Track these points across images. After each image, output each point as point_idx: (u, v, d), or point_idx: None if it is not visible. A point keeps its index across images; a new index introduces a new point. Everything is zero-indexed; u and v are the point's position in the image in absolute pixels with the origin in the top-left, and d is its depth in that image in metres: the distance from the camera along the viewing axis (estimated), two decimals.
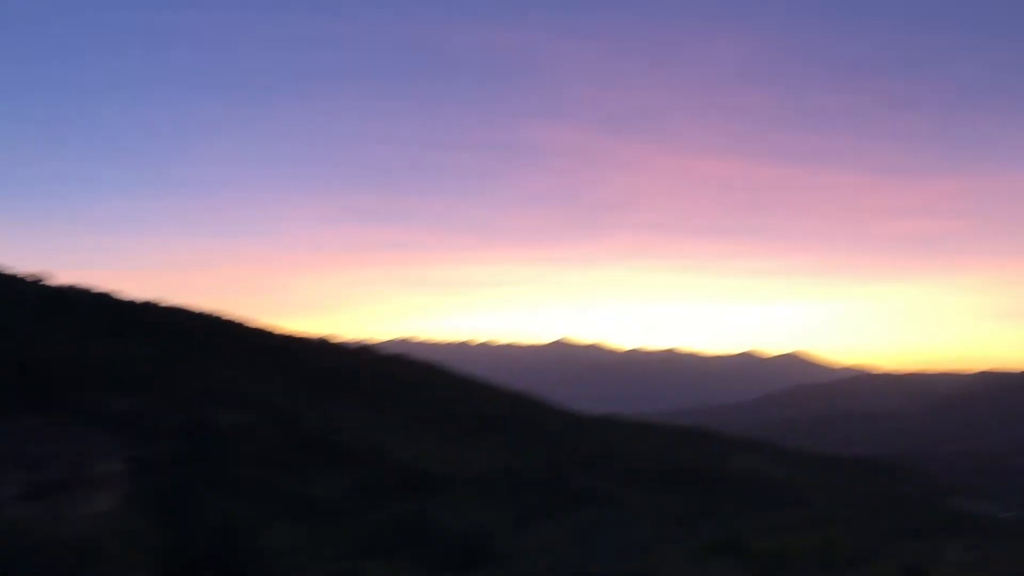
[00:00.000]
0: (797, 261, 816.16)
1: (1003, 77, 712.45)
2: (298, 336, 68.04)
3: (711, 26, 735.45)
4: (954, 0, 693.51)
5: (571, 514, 25.40)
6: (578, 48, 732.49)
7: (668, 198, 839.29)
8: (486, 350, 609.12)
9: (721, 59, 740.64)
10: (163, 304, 60.14)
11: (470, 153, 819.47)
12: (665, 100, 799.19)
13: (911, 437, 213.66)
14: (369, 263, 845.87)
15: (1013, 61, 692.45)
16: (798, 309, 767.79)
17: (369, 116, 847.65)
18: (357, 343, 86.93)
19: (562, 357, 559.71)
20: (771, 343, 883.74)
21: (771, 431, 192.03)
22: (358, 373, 55.81)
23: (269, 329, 64.57)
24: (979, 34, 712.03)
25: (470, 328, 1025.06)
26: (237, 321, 61.91)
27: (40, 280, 54.24)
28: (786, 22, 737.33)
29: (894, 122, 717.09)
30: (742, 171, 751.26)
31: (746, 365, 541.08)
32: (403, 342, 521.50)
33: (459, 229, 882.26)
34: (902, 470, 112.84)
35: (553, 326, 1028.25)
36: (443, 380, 68.53)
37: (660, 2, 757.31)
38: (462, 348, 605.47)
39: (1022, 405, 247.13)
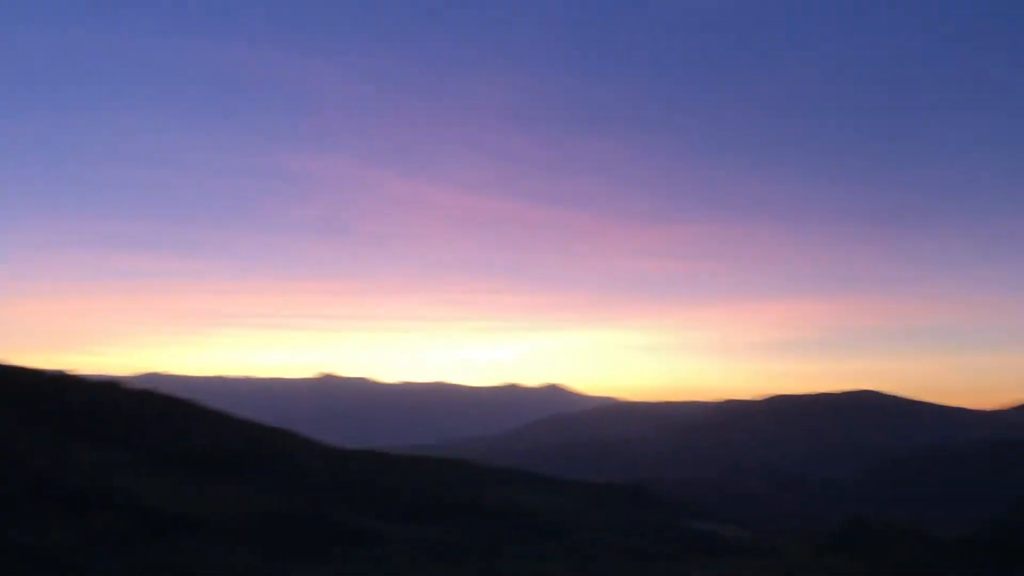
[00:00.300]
0: (553, 297, 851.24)
1: (740, 129, 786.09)
2: (32, 369, 62.04)
3: (480, 69, 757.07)
4: (700, 55, 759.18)
5: (332, 554, 24.73)
6: (351, 81, 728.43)
7: (432, 233, 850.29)
8: (247, 384, 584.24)
9: (488, 100, 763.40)
10: None
11: (232, 179, 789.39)
12: (434, 138, 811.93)
13: (657, 462, 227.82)
14: (118, 293, 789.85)
15: (750, 116, 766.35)
16: (557, 342, 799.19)
17: (122, 134, 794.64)
18: (101, 378, 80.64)
19: (328, 391, 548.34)
20: (532, 375, 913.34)
21: (532, 459, 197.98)
22: (101, 410, 51.65)
23: None
24: (719, 89, 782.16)
25: (230, 362, 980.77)
26: None
27: None
28: (548, 68, 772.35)
29: (644, 168, 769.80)
30: (505, 209, 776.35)
31: (509, 396, 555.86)
32: (153, 376, 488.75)
33: (218, 258, 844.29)
34: (648, 494, 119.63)
35: (318, 360, 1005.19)
36: (196, 416, 64.82)
37: (434, 42, 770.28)
38: (220, 383, 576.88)
39: (756, 432, 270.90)
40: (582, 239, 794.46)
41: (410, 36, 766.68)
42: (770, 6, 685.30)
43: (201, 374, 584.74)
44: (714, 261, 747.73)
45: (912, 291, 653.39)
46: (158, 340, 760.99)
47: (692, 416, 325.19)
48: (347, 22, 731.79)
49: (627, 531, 55.37)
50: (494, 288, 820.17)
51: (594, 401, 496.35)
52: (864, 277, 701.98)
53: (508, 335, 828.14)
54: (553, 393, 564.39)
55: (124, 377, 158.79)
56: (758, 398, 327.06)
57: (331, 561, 23.10)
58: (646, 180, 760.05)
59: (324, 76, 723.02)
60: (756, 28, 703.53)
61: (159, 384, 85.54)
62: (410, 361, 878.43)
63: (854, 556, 12.46)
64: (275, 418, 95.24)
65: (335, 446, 76.49)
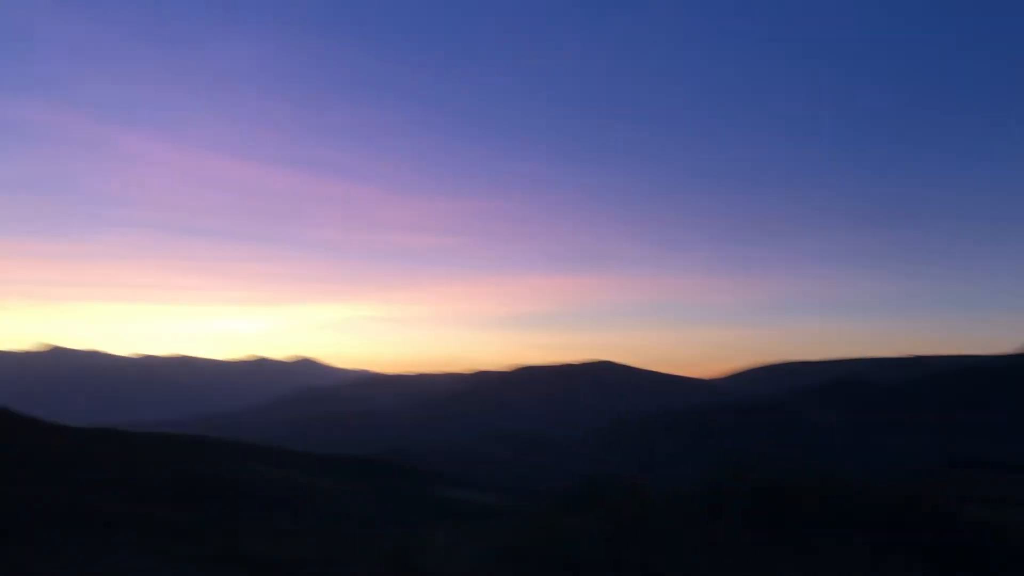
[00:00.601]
0: (307, 268, 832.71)
1: (493, 106, 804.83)
2: None
3: (233, 27, 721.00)
4: (460, 25, 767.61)
5: (48, 541, 22.94)
6: (78, 24, 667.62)
7: (173, 195, 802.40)
8: None
9: (235, 60, 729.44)
10: None
11: None
12: (178, 94, 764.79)
13: (410, 433, 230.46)
14: None
15: (504, 94, 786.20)
16: (308, 314, 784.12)
17: None
18: None
19: (55, 365, 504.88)
20: (282, 348, 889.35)
21: (283, 434, 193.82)
22: None
23: None
24: (479, 64, 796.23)
25: None
26: None
27: None
28: (312, 32, 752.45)
29: (398, 139, 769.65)
30: (255, 175, 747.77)
31: (258, 370, 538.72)
32: None
33: None
34: (401, 465, 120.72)
35: (42, 331, 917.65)
36: None
37: None
38: None
39: (504, 401, 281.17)
40: (334, 209, 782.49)
41: None
42: None
43: None
44: (466, 236, 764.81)
45: (645, 270, 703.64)
46: None
47: (444, 387, 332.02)
48: None
49: (377, 502, 55.65)
50: (240, 257, 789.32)
51: (347, 374, 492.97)
52: (604, 255, 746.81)
53: (256, 307, 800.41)
54: (304, 367, 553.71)
55: None
56: (506, 369, 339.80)
57: (47, 548, 21.28)
58: (400, 151, 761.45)
59: (44, 19, 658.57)
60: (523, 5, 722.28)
61: None
62: (148, 333, 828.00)
63: (588, 514, 13.48)
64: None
65: (63, 424, 70.63)
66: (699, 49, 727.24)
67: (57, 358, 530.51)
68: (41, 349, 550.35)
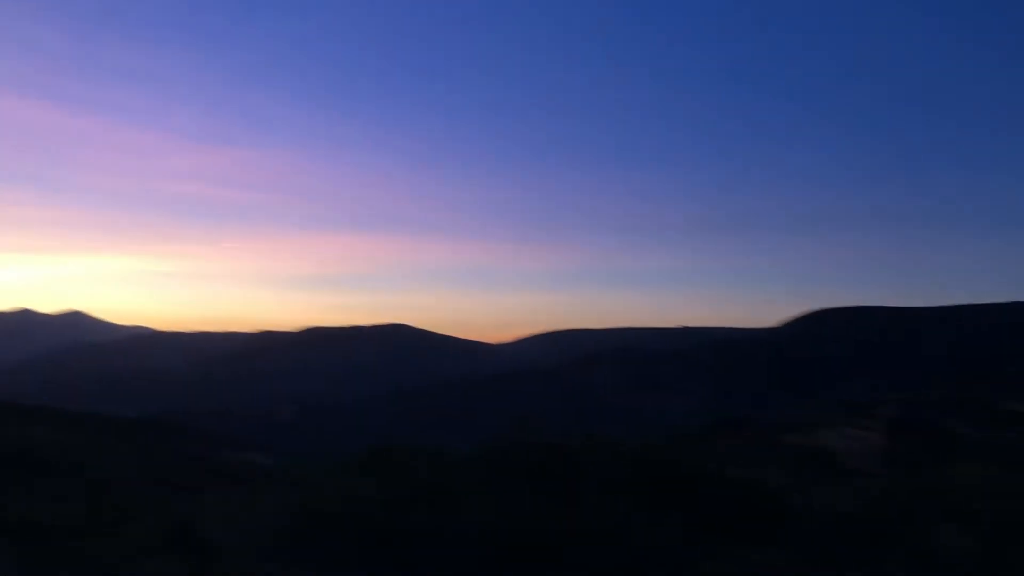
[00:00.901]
0: (77, 214, 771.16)
1: (293, 54, 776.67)
2: None
3: None
4: None
5: None
6: None
7: None
8: None
9: None
10: None
11: None
12: None
13: (190, 394, 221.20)
14: None
15: (302, 43, 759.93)
16: (81, 265, 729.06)
17: None
18: None
19: None
20: (50, 300, 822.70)
21: (50, 392, 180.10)
22: None
23: None
24: (284, 14, 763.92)
25: None
26: None
27: None
28: None
29: (188, 85, 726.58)
30: (25, 111, 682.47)
31: (21, 323, 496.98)
32: None
33: None
34: (179, 427, 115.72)
35: None
36: None
37: None
38: None
39: (291, 362, 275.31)
40: (112, 153, 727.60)
41: None
42: None
43: None
44: (256, 191, 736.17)
45: (441, 232, 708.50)
46: None
47: (228, 347, 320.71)
48: None
49: (152, 464, 53.12)
50: (6, 199, 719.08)
51: (123, 330, 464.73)
52: (398, 217, 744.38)
53: (21, 255, 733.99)
54: (75, 320, 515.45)
55: None
56: (294, 330, 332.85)
57: None
58: (190, 98, 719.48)
59: None
60: None
61: None
62: None
63: (376, 477, 13.58)
64: None
65: None
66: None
67: None
68: None
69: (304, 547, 12.07)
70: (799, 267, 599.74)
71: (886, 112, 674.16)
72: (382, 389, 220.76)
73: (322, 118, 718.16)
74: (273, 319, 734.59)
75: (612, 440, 17.77)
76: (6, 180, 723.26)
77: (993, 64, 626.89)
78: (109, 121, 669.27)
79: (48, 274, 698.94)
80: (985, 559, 11.15)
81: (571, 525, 11.68)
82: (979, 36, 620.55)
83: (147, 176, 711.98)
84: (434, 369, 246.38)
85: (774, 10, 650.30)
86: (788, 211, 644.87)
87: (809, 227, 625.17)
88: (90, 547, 14.89)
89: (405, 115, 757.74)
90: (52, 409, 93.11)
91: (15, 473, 38.72)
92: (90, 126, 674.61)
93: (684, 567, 11.50)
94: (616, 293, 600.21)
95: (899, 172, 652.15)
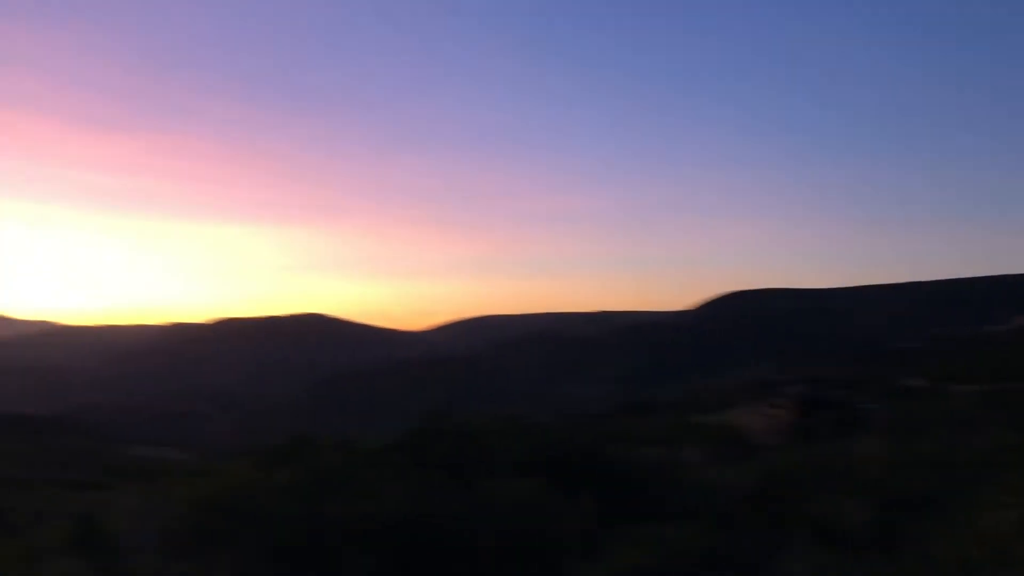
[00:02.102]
0: None
1: (193, 39, 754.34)
2: None
3: None
4: None
5: None
6: None
7: None
8: None
9: None
10: None
11: None
12: None
13: (99, 390, 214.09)
14: None
15: (205, 31, 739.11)
16: None
17: None
18: None
19: None
20: None
21: None
22: None
23: None
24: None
25: None
26: None
27: None
28: None
29: (90, 71, 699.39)
30: None
31: None
32: None
33: None
34: (86, 424, 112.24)
35: None
36: None
37: None
38: None
39: (204, 356, 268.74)
40: (13, 141, 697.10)
41: None
42: None
43: None
44: (163, 176, 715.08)
45: (356, 218, 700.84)
46: None
47: (138, 341, 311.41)
48: None
49: (56, 462, 51.49)
50: None
51: (25, 325, 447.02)
52: (314, 205, 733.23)
53: None
54: None
55: None
56: (207, 322, 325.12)
57: None
58: (94, 83, 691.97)
59: None
60: None
61: None
62: None
63: (290, 468, 13.35)
64: None
65: None
66: None
67: None
68: None
69: (213, 541, 11.84)
70: (709, 250, 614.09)
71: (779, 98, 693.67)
72: (300, 381, 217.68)
73: (233, 105, 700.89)
74: (185, 311, 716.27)
75: (524, 423, 17.91)
76: None
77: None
78: (5, 109, 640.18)
79: None
80: (881, 528, 11.64)
81: (482, 510, 11.73)
82: None
83: (50, 164, 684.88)
84: (352, 359, 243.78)
85: None
86: (701, 197, 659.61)
87: (719, 211, 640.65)
88: None
89: (317, 102, 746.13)
90: None
91: None
92: None
93: (598, 547, 11.69)
94: (535, 279, 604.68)
95: (809, 153, 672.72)
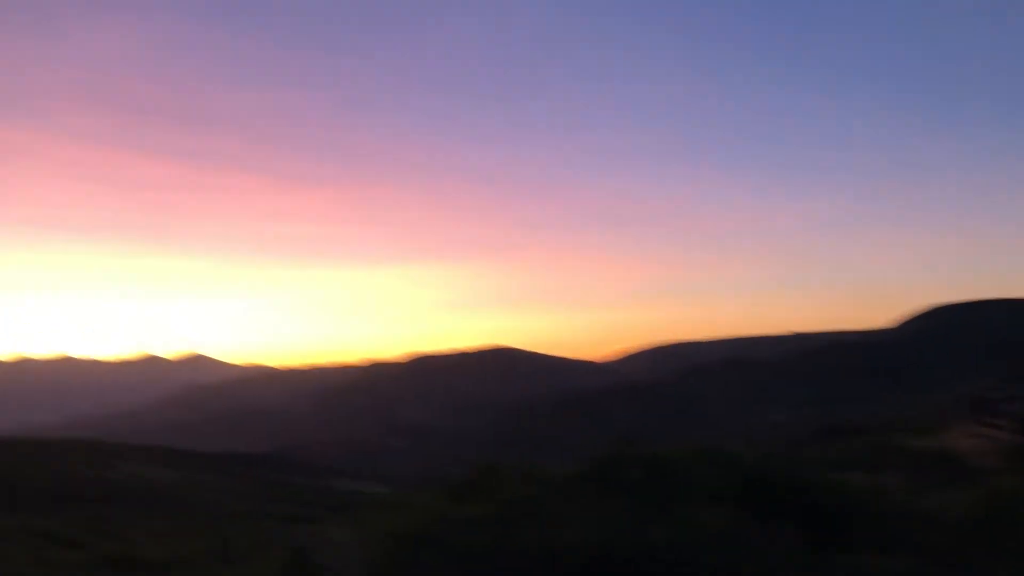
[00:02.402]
0: (194, 261, 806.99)
1: (370, 91, 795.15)
2: None
3: (103, 13, 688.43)
4: (350, 15, 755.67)
5: None
6: None
7: (53, 190, 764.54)
8: None
9: (113, 48, 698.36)
10: None
11: None
12: (51, 85, 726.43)
13: (302, 428, 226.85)
14: None
15: (380, 80, 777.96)
16: (197, 309, 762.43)
17: None
18: None
19: None
20: (172, 344, 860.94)
21: (172, 433, 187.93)
22: None
23: None
24: (361, 56, 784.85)
25: None
26: None
27: None
28: (184, 18, 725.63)
29: (290, 129, 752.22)
30: (136, 166, 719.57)
31: (147, 368, 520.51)
32: None
33: None
34: (294, 460, 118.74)
35: None
36: None
37: None
38: None
39: (398, 391, 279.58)
40: (216, 200, 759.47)
41: None
42: None
43: None
44: (354, 223, 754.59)
45: (533, 252, 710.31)
46: None
47: (337, 381, 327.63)
48: None
49: (272, 498, 54.62)
50: (125, 251, 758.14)
51: (239, 370, 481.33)
52: (495, 240, 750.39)
53: (143, 302, 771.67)
54: (195, 363, 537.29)
55: None
56: (400, 359, 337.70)
57: None
58: (285, 139, 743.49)
59: None
60: None
61: None
62: (31, 332, 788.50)
63: (481, 499, 13.51)
64: None
65: None
66: None
67: None
68: None
69: (411, 572, 12.12)
70: (909, 264, 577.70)
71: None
72: (489, 412, 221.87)
73: (412, 146, 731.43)
74: (380, 350, 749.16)
75: (719, 451, 17.29)
76: (122, 232, 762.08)
77: None
78: (208, 167, 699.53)
79: (170, 319, 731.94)
80: None
81: (678, 540, 11.37)
82: None
83: (252, 218, 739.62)
84: (539, 390, 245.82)
85: None
86: (896, 208, 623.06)
87: (919, 222, 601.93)
88: None
89: (489, 134, 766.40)
90: (173, 449, 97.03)
91: (139, 511, 40.29)
92: (193, 175, 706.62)
93: None
94: (721, 302, 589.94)
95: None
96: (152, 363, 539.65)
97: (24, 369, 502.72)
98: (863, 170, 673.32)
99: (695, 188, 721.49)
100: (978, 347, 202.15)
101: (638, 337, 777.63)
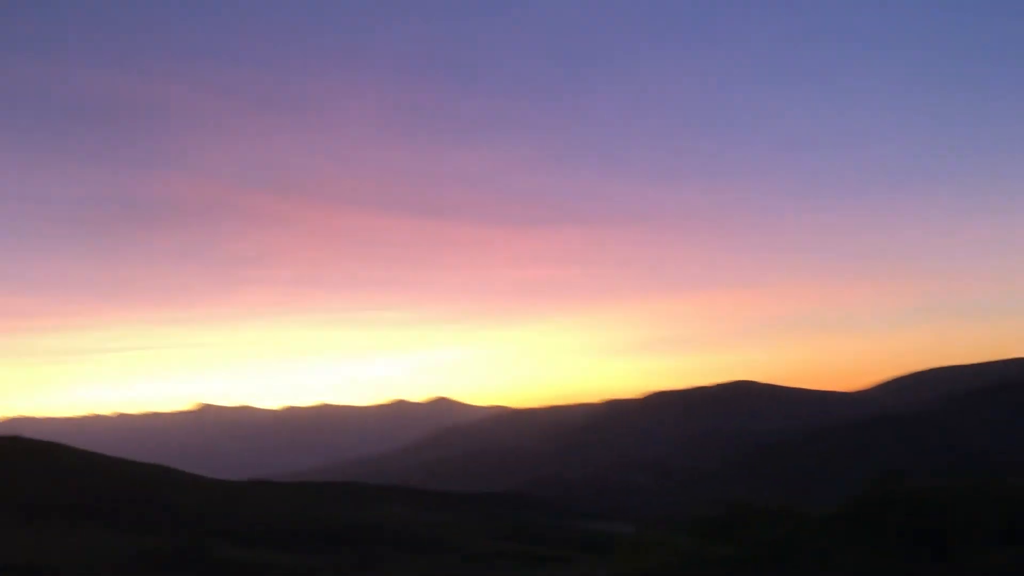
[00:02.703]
0: (437, 310, 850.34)
1: (597, 137, 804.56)
2: None
3: (347, 81, 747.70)
4: (551, 66, 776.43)
5: None
6: (211, 100, 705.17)
7: (306, 251, 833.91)
8: (123, 421, 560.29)
9: (358, 114, 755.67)
10: None
11: (86, 208, 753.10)
12: (302, 153, 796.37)
13: (544, 467, 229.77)
14: None
15: (619, 123, 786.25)
16: (441, 355, 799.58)
17: None
18: None
19: (208, 422, 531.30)
20: (418, 390, 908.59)
21: (422, 475, 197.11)
22: None
23: None
24: (573, 96, 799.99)
25: (100, 399, 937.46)
26: None
27: None
28: (421, 81, 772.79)
29: (514, 177, 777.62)
30: (380, 224, 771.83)
31: (397, 412, 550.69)
32: (16, 420, 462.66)
33: (77, 291, 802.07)
34: (539, 499, 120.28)
35: (195, 390, 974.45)
36: (63, 460, 61.37)
37: (296, 56, 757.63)
38: (93, 422, 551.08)
39: (638, 429, 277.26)
40: (459, 250, 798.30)
41: (269, 51, 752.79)
42: (618, 15, 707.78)
43: (68, 415, 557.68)
44: (588, 264, 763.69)
45: (772, 282, 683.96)
46: (15, 381, 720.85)
47: (577, 419, 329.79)
48: (203, 39, 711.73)
49: (515, 538, 55.47)
50: (374, 305, 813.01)
51: (482, 411, 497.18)
52: (727, 270, 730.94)
53: (392, 351, 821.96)
54: (441, 406, 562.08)
55: None
56: (638, 396, 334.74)
57: None
58: (517, 188, 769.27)
59: (181, 96, 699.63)
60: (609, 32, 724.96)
61: (21, 429, 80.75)
62: (292, 385, 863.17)
63: (734, 540, 12.83)
64: (153, 454, 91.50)
65: (215, 478, 73.90)
66: None
67: (209, 414, 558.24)
68: (194, 408, 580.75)
69: None
70: None
71: None
72: (731, 447, 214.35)
73: (638, 187, 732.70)
74: (617, 387, 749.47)
75: (998, 485, 15.50)
76: (369, 287, 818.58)
77: None
78: (445, 220, 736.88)
79: (416, 365, 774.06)
80: None
81: None
82: None
83: (486, 265, 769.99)
84: (784, 425, 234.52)
85: None
86: None
87: None
88: None
89: (718, 171, 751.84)
90: (425, 490, 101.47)
91: (395, 551, 42.20)
92: (429, 227, 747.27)
93: None
94: (986, 322, 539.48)
95: None
96: (402, 407, 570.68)
97: (290, 417, 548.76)
98: None
99: (945, 203, 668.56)
100: None
101: (895, 364, 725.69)
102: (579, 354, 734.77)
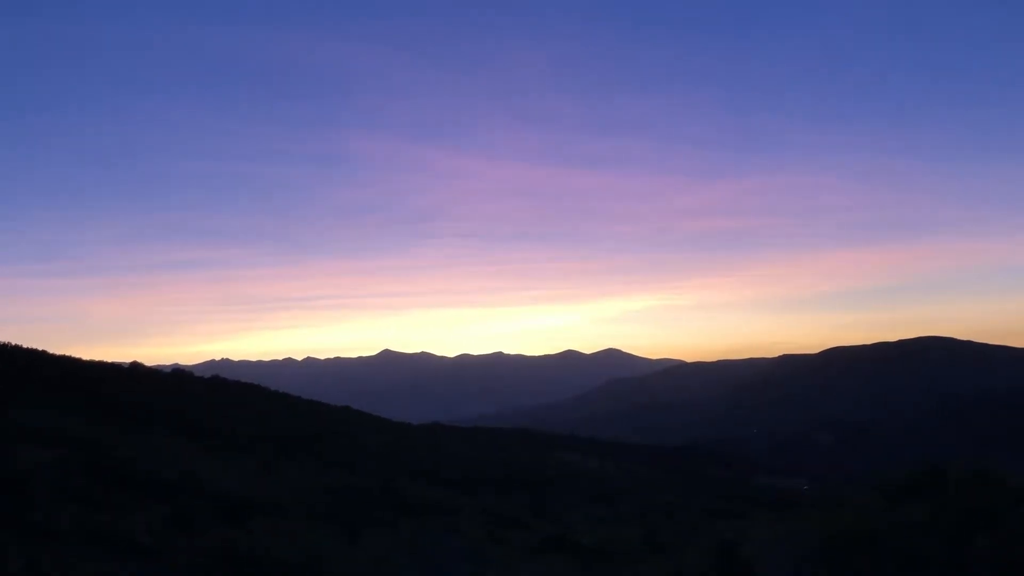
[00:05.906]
0: (609, 262, 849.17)
1: (784, 83, 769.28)
2: (103, 364, 63.67)
3: (514, 35, 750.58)
4: (730, 10, 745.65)
5: (402, 526, 25.35)
6: (388, 59, 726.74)
7: (481, 205, 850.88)
8: (310, 365, 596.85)
9: (525, 67, 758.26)
10: None
11: (279, 166, 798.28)
12: (473, 108, 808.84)
13: (719, 421, 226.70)
14: (175, 284, 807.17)
15: (799, 67, 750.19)
16: (613, 307, 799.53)
17: (171, 128, 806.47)
18: (169, 367, 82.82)
19: (389, 368, 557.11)
20: (590, 341, 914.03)
21: (595, 424, 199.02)
22: (171, 399, 53.04)
23: (70, 358, 59.97)
24: (760, 44, 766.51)
25: (292, 344, 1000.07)
26: (31, 351, 57.03)
27: None
28: (587, 30, 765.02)
29: (690, 126, 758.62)
30: (551, 177, 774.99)
31: (568, 363, 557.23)
32: (219, 363, 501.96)
33: (274, 243, 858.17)
34: (713, 453, 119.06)
35: (377, 337, 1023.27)
36: (262, 400, 66.21)
37: (463, 11, 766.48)
38: (284, 365, 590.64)
39: (816, 385, 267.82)
40: (632, 201, 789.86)
41: (445, 6, 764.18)
42: None
43: (263, 358, 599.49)
44: (765, 215, 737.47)
45: (969, 234, 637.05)
46: (223, 328, 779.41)
47: (751, 374, 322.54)
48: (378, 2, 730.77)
49: (693, 490, 55.38)
50: (547, 256, 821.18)
51: (653, 364, 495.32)
52: (918, 223, 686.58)
53: (563, 303, 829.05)
54: (612, 357, 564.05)
55: (189, 366, 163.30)
56: (815, 351, 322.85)
57: (403, 532, 23.74)
58: (693, 138, 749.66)
59: (361, 57, 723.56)
60: None
61: (223, 371, 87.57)
62: (469, 334, 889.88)
63: (926, 505, 12.33)
64: (341, 397, 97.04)
65: (399, 421, 77.72)
66: None
67: (390, 361, 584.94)
68: (377, 353, 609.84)
69: (844, 573, 11.57)
70: None
71: None
72: (918, 408, 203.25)
73: (812, 137, 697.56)
74: (792, 342, 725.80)
75: None
76: (546, 240, 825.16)
77: None
78: (620, 172, 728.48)
79: (587, 317, 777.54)
80: None
81: None
82: None
83: (662, 218, 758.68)
84: (978, 383, 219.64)
85: None
86: None
87: None
88: (644, 570, 15.93)
89: (891, 116, 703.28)
90: (596, 440, 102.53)
91: (568, 497, 43.11)
92: (604, 179, 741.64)
93: None
94: None
95: None
96: (572, 358, 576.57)
97: (463, 364, 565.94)
98: None
99: None
100: None
101: None
102: (752, 308, 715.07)
